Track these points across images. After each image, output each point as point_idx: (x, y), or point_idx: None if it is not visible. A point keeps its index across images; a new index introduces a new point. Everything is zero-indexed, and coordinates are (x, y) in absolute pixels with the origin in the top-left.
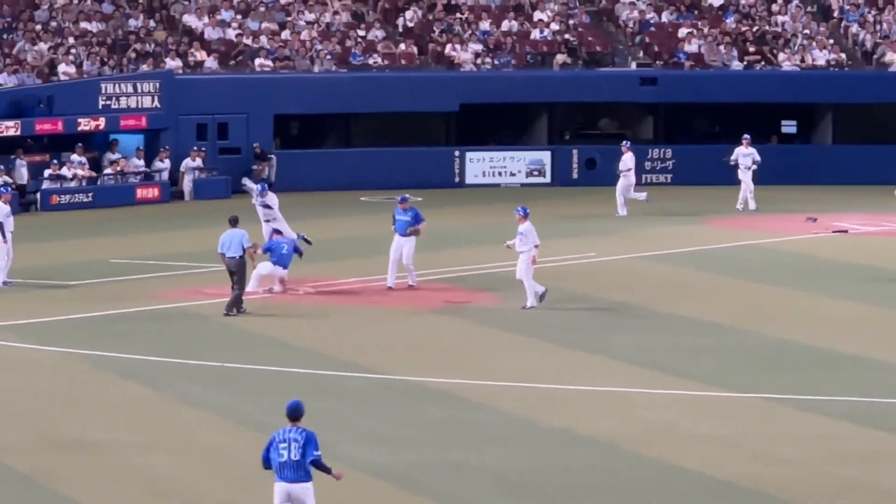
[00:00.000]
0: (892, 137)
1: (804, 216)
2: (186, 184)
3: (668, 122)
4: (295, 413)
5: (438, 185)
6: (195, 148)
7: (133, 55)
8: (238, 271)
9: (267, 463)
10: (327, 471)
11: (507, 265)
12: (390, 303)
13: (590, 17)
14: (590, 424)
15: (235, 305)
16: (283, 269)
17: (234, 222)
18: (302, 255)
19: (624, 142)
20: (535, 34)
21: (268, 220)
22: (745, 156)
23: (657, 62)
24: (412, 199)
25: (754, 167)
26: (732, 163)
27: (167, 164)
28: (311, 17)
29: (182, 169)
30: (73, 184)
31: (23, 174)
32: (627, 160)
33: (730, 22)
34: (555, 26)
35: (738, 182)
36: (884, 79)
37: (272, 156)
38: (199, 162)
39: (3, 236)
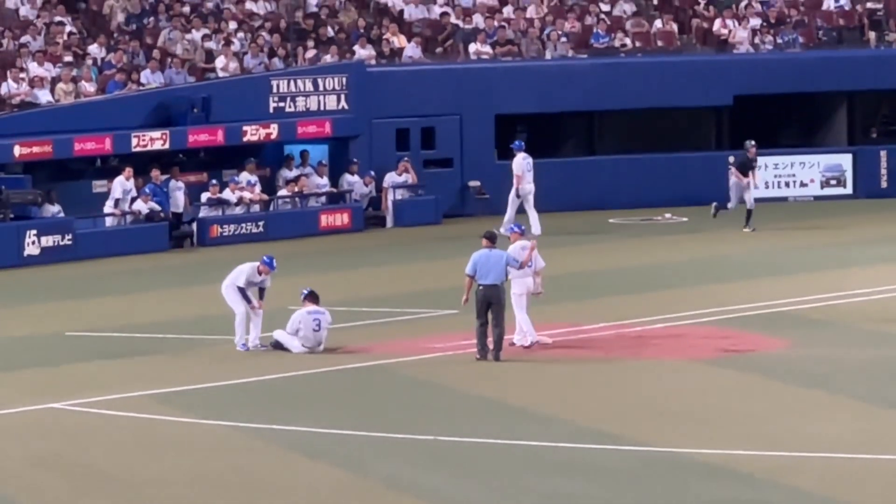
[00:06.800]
0: None
1: None
2: (388, 206)
3: None
4: None
5: (707, 201)
6: (405, 159)
7: (312, 43)
8: (497, 303)
9: None
10: None
11: (800, 301)
12: (649, 354)
13: None
14: None
15: (499, 348)
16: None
17: (491, 239)
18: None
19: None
20: (829, 4)
21: None
22: None
23: None
24: (674, 220)
25: None
26: None
27: (357, 180)
28: None
29: (386, 184)
30: (238, 210)
31: (178, 199)
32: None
33: None
34: None
35: None
36: None
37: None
38: (405, 178)
39: (249, 301)
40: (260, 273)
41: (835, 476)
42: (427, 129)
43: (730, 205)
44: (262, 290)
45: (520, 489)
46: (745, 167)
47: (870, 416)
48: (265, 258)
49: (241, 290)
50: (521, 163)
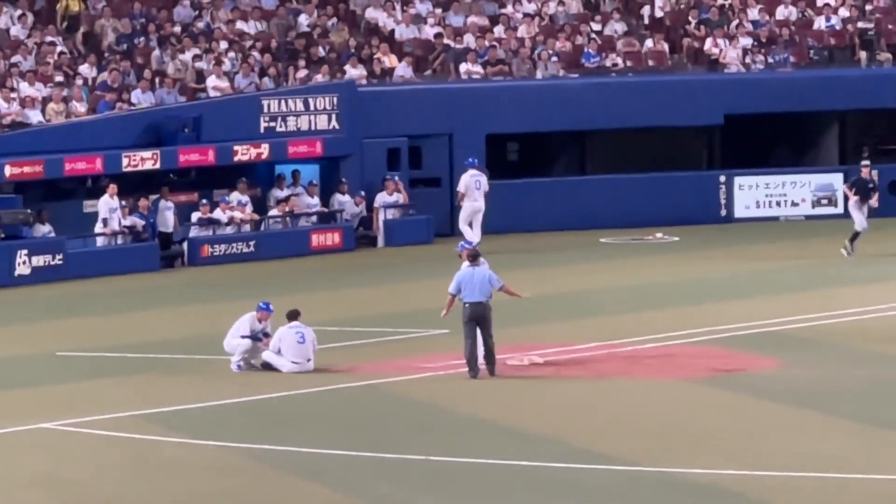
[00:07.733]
0: None
1: None
2: (379, 226)
3: None
4: None
5: (699, 221)
6: (391, 177)
7: (304, 63)
8: (485, 319)
9: None
10: None
11: (792, 320)
12: (641, 373)
13: None
14: None
15: (492, 362)
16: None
17: (474, 258)
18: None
19: (470, 159)
20: (820, 23)
21: None
22: None
23: None
24: (665, 240)
25: None
26: None
27: (348, 199)
28: (530, 7)
29: (377, 204)
30: (229, 230)
31: (168, 219)
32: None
33: None
34: (845, 12)
35: None
36: None
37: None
38: (396, 197)
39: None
40: (260, 321)
41: (827, 496)
42: (413, 149)
43: (857, 227)
44: (265, 333)
45: None
46: (863, 188)
47: (862, 436)
48: (261, 304)
49: (248, 337)
50: (468, 180)
